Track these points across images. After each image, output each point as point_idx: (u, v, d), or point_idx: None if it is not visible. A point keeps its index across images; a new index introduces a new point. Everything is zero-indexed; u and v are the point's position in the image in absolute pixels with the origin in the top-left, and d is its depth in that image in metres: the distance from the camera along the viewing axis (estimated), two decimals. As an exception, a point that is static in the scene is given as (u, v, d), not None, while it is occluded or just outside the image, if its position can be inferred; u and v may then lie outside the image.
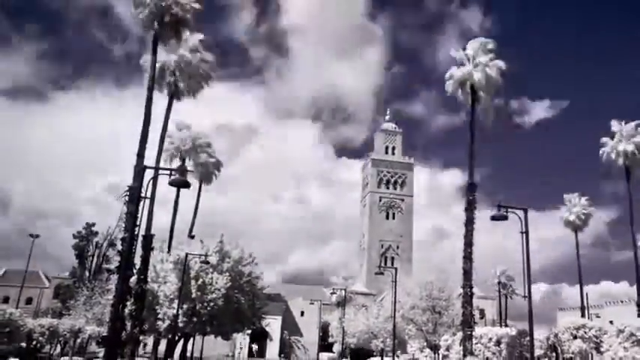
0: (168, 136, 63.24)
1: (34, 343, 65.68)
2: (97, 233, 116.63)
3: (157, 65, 49.78)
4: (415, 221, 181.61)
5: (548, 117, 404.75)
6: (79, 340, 71.74)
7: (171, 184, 32.27)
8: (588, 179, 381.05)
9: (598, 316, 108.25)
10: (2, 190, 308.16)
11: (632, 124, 67.95)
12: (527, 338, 35.61)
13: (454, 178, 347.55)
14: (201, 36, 58.01)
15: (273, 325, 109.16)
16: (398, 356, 79.54)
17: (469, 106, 56.80)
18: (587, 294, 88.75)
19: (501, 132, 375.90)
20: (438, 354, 74.62)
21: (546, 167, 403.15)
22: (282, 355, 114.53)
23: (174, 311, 54.70)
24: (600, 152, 68.28)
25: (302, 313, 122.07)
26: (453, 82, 57.63)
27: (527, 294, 31.09)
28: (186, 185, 34.01)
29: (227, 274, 60.05)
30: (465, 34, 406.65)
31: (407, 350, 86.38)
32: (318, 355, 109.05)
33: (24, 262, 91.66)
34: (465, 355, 50.33)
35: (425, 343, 75.10)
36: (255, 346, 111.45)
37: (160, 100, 54.65)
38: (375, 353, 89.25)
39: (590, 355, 55.69)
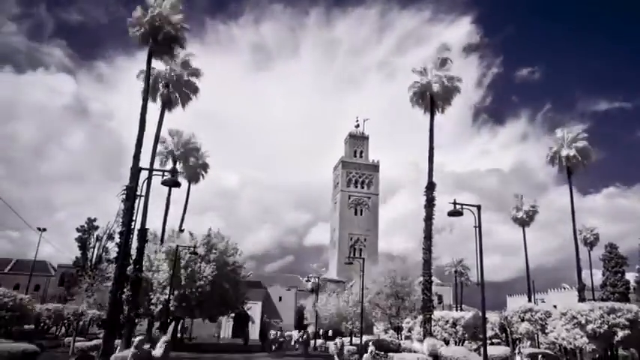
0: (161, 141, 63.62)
1: (42, 325, 65.49)
2: (97, 227, 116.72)
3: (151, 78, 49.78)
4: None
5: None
6: (81, 323, 71.42)
7: (163, 183, 32.22)
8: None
9: (543, 301, 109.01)
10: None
11: (574, 129, 68.48)
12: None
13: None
14: (190, 51, 58.05)
15: (254, 309, 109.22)
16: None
17: (429, 114, 57.11)
18: (533, 281, 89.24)
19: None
20: (401, 335, 74.72)
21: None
22: (263, 336, 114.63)
23: (167, 297, 54.82)
24: (545, 156, 68.58)
25: (280, 299, 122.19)
26: (413, 93, 57.93)
27: (480, 281, 31.06)
28: (177, 185, 33.98)
29: (213, 263, 60.36)
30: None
31: (373, 331, 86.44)
32: (303, 335, 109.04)
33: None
34: (424, 336, 50.37)
35: (389, 325, 75.22)
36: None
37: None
38: (345, 334, 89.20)
39: (536, 336, 55.90)
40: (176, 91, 57.47)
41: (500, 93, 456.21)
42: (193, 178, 79.36)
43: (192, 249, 55.59)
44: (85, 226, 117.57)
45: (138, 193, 37.26)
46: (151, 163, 50.17)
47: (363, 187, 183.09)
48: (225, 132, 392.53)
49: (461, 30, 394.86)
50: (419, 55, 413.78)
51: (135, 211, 38.86)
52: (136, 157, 42.43)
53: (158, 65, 54.30)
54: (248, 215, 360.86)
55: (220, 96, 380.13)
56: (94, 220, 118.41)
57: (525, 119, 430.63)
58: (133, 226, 39.78)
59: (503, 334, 58.32)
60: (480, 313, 33.92)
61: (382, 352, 50.78)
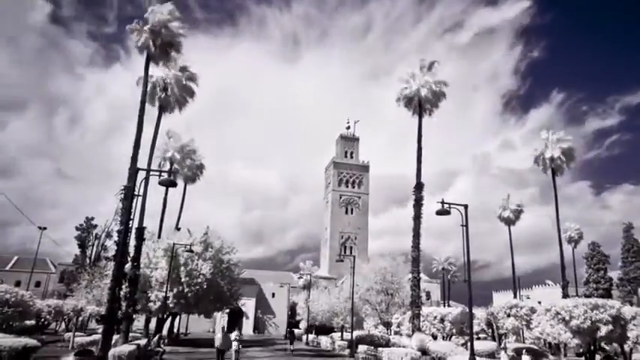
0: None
1: (42, 320, 65.48)
2: (96, 226, 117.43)
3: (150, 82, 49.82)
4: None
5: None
6: (80, 318, 71.44)
7: (160, 183, 32.19)
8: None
9: (528, 297, 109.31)
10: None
11: (558, 133, 68.35)
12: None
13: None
14: (186, 57, 58.05)
15: (248, 305, 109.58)
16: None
17: (417, 117, 57.19)
18: (518, 278, 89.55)
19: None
20: (390, 330, 74.83)
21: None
22: (256, 331, 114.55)
23: (165, 293, 54.86)
24: (532, 157, 68.41)
25: (273, 295, 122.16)
26: (402, 97, 58.02)
27: (467, 278, 31.12)
28: (174, 185, 33.97)
29: (210, 261, 60.34)
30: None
31: (363, 327, 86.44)
32: (286, 331, 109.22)
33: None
34: (413, 331, 50.46)
35: (379, 321, 75.21)
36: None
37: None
38: (335, 329, 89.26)
39: (521, 331, 56.01)
40: (173, 95, 57.42)
41: (538, 79, 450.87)
42: (190, 178, 79.54)
43: (188, 247, 55.80)
44: (84, 224, 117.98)
45: (135, 192, 37.35)
46: (149, 164, 50.27)
47: (353, 187, 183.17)
48: (255, 122, 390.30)
49: (504, 12, 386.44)
50: (459, 39, 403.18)
51: (133, 210, 38.96)
52: (134, 158, 42.37)
53: (158, 70, 54.51)
54: (290, 211, 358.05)
55: (250, 82, 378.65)
56: (92, 219, 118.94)
57: (555, 108, 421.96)
58: (130, 225, 39.91)
59: (490, 330, 58.42)
60: (467, 309, 34.01)
61: (372, 347, 50.85)
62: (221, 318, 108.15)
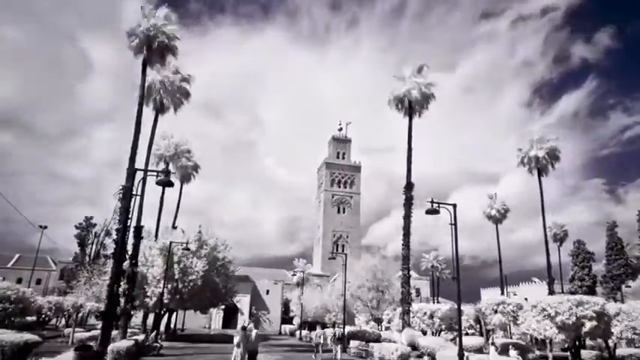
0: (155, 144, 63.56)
1: (43, 316, 65.46)
2: (95, 225, 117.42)
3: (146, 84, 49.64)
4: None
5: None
6: (80, 315, 71.48)
7: (157, 183, 32.17)
8: None
9: (515, 294, 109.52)
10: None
11: (542, 132, 68.62)
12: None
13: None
14: (181, 59, 57.93)
15: (243, 301, 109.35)
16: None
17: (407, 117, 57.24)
18: (506, 276, 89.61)
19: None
20: (381, 326, 74.94)
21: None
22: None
23: (161, 290, 54.97)
24: (517, 157, 68.38)
25: (267, 292, 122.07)
26: (393, 99, 58.07)
27: (456, 275, 31.15)
28: (170, 184, 33.90)
29: (204, 259, 60.45)
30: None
31: (355, 323, 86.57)
32: (280, 326, 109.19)
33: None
34: (403, 327, 50.53)
35: (370, 317, 75.38)
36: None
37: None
38: (328, 325, 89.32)
39: (508, 327, 56.10)
40: (169, 96, 57.28)
41: (571, 68, 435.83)
42: (185, 178, 79.47)
43: (184, 245, 55.89)
44: (84, 223, 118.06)
45: (133, 192, 37.32)
46: (146, 164, 50.17)
47: (345, 187, 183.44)
48: (284, 118, 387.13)
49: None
50: (496, 26, 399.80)
51: (131, 209, 38.97)
52: (132, 158, 42.28)
53: (155, 73, 54.53)
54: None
55: (281, 73, 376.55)
56: (92, 218, 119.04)
57: (578, 101, 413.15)
58: (128, 224, 39.88)
59: (478, 325, 58.55)
60: (456, 306, 34.09)
61: (364, 342, 50.86)
62: (217, 314, 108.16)
